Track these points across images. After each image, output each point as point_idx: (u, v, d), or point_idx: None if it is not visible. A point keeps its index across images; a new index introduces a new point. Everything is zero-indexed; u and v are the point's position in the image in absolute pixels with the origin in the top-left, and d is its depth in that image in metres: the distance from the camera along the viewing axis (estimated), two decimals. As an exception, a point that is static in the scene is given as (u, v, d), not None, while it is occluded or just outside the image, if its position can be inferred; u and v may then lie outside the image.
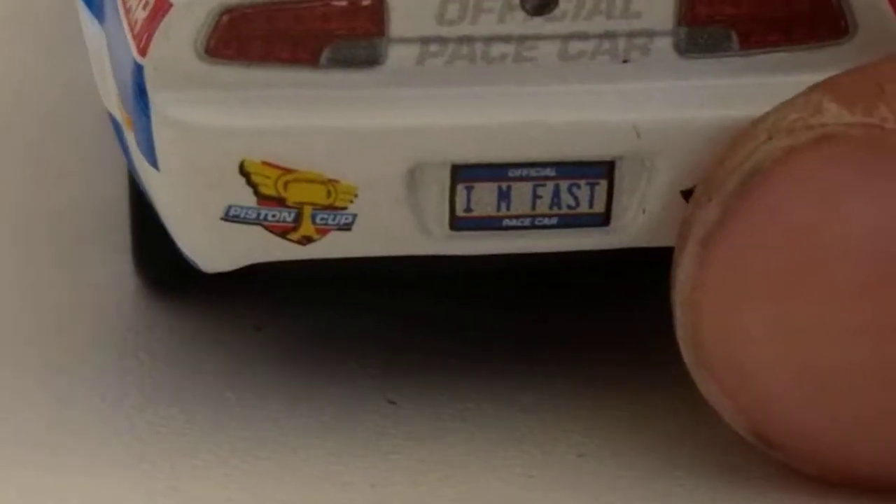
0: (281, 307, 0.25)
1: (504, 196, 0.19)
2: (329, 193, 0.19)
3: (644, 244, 0.19)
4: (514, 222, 0.20)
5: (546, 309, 0.25)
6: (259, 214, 0.19)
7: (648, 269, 0.20)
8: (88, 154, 0.29)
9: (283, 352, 0.24)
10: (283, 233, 0.19)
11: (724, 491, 0.20)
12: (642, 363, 0.23)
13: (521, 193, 0.19)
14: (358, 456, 0.21)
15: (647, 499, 0.20)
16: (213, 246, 0.21)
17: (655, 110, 0.19)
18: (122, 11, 0.20)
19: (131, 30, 0.20)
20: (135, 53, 0.19)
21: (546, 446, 0.21)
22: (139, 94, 0.19)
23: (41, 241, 0.28)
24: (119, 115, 0.21)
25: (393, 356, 0.24)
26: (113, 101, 0.22)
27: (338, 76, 0.19)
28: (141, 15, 0.19)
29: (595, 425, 0.21)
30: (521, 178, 0.19)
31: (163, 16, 0.19)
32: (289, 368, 0.23)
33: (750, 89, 0.19)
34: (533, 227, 0.19)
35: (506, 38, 0.19)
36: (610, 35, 0.19)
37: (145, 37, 0.19)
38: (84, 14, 0.24)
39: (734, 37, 0.19)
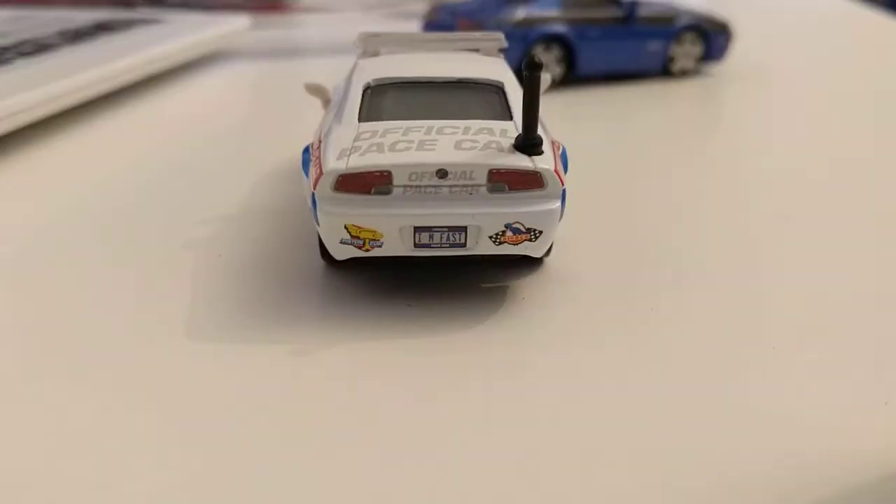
0: (352, 279, 0.48)
1: (431, 236, 0.41)
2: (374, 235, 0.41)
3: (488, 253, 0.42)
4: (435, 245, 0.42)
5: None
6: (351, 242, 0.42)
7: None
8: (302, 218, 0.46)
9: (361, 285, 0.45)
10: (358, 247, 0.42)
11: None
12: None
13: (439, 236, 0.42)
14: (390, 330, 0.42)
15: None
16: (337, 252, 0.42)
17: (481, 209, 0.41)
18: (312, 171, 0.43)
19: (314, 179, 0.42)
20: (312, 188, 0.42)
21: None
22: (314, 202, 0.42)
23: (281, 249, 0.53)
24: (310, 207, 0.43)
25: (414, 286, 0.45)
26: (309, 203, 0.43)
27: (375, 198, 0.41)
28: (314, 174, 0.42)
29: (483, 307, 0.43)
30: (438, 230, 0.41)
31: (320, 175, 0.42)
32: (364, 294, 0.45)
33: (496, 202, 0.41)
34: (441, 247, 0.42)
35: (434, 185, 0.41)
36: (465, 185, 0.41)
37: (315, 181, 0.42)
38: (303, 170, 0.46)
39: (506, 187, 0.41)
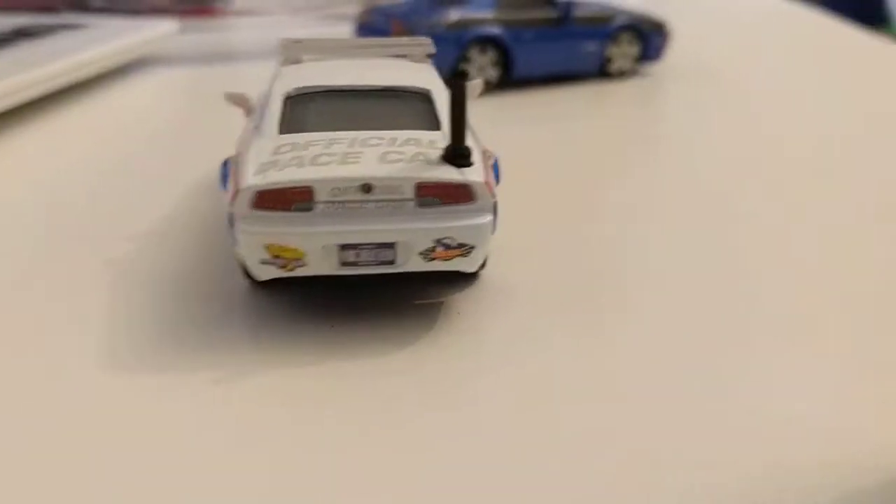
0: (279, 298, 0.45)
1: (358, 254, 0.40)
2: (296, 254, 0.40)
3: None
4: (363, 263, 0.40)
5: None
6: (273, 261, 0.40)
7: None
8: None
9: (288, 306, 0.44)
10: (280, 266, 0.40)
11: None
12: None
13: (367, 253, 0.40)
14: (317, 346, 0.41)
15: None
16: (259, 272, 0.41)
17: (408, 224, 0.39)
18: (229, 187, 0.41)
19: (231, 196, 0.40)
20: (228, 205, 0.40)
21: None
22: (231, 220, 0.40)
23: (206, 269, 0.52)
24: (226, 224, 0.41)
25: (343, 305, 0.44)
26: (226, 221, 0.41)
27: (296, 215, 0.39)
28: (232, 190, 0.40)
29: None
30: (364, 247, 0.40)
31: (237, 192, 0.40)
32: (290, 315, 0.43)
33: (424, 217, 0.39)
34: (369, 265, 0.40)
35: (358, 200, 0.39)
36: (391, 200, 0.39)
37: (232, 198, 0.40)
38: (221, 185, 0.44)
39: (435, 201, 0.39)
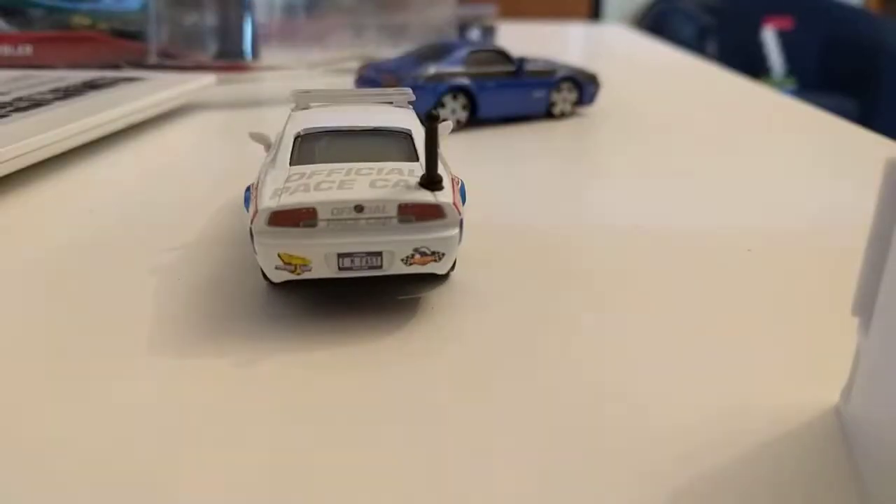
0: (291, 296, 0.44)
1: (353, 261, 0.39)
2: (303, 260, 0.39)
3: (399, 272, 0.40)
4: (356, 268, 0.39)
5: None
6: (284, 267, 0.39)
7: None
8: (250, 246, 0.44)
9: (298, 301, 0.43)
10: (291, 271, 0.39)
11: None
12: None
13: (359, 260, 0.39)
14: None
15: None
16: (274, 276, 0.40)
17: (392, 237, 0.39)
18: (251, 208, 0.41)
19: (252, 215, 0.40)
20: (250, 223, 0.40)
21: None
22: (252, 234, 0.39)
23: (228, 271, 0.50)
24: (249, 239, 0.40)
25: (342, 301, 0.43)
26: (249, 235, 0.41)
27: (303, 230, 0.38)
28: (252, 211, 0.40)
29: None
30: (358, 255, 0.39)
31: (256, 212, 0.39)
32: (300, 309, 0.42)
33: (405, 231, 0.39)
34: (361, 269, 0.39)
35: (352, 218, 0.39)
36: (378, 217, 0.39)
37: (253, 217, 0.39)
38: (244, 206, 0.44)
39: (413, 218, 0.39)
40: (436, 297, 0.45)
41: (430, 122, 0.39)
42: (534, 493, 0.28)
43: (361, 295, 0.44)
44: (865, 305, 0.28)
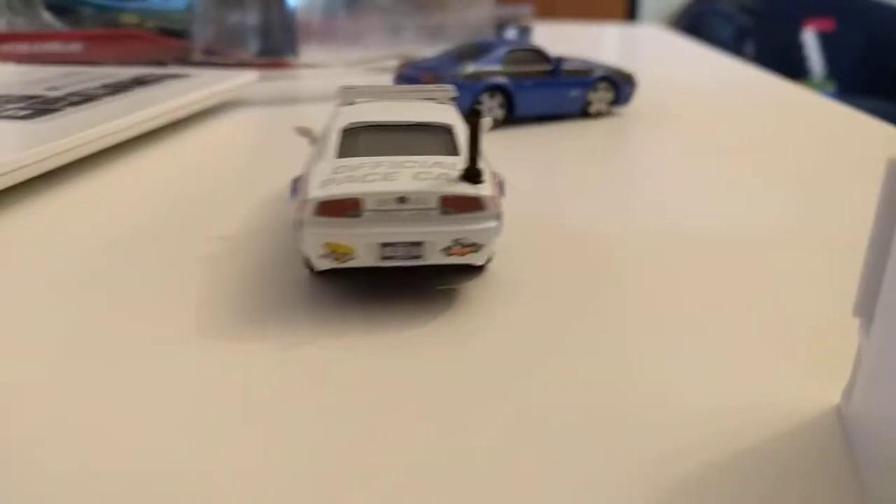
0: (332, 285, 0.44)
1: (395, 250, 0.40)
2: (347, 249, 0.40)
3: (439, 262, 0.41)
4: (398, 257, 0.40)
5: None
6: (329, 255, 0.40)
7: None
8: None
9: (340, 290, 0.44)
10: (335, 259, 0.40)
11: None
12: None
13: (401, 249, 0.40)
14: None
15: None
16: (318, 264, 0.41)
17: (434, 227, 0.40)
18: (298, 198, 0.42)
19: (299, 205, 0.41)
20: (295, 213, 0.41)
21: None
22: (298, 223, 0.40)
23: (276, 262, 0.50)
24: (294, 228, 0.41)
25: (382, 289, 0.44)
26: (293, 224, 0.42)
27: (349, 220, 0.39)
28: (300, 201, 0.41)
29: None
30: (400, 245, 0.40)
31: (304, 202, 0.40)
32: (342, 297, 0.43)
33: (445, 222, 0.40)
34: (403, 258, 0.41)
35: (395, 209, 0.40)
36: (421, 209, 0.40)
37: (300, 207, 0.40)
38: (291, 196, 0.45)
39: (454, 210, 0.40)
40: (473, 288, 0.45)
41: (474, 117, 0.39)
42: (537, 475, 0.29)
43: (399, 285, 0.45)
44: (866, 306, 0.27)
